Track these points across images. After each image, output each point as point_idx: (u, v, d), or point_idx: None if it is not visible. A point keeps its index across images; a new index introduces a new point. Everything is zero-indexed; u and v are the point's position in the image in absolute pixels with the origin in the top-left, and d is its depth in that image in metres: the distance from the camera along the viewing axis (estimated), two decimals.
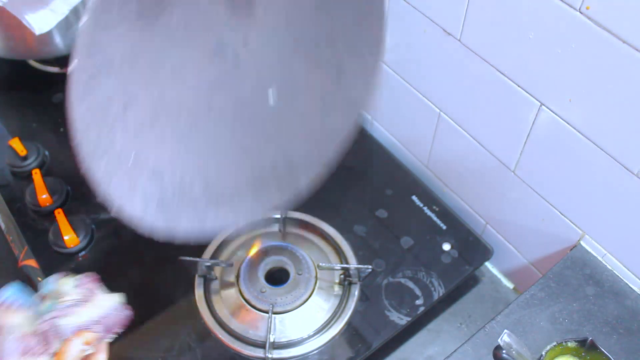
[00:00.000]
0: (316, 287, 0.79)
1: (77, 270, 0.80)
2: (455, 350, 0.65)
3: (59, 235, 0.82)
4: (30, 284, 0.80)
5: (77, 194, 0.88)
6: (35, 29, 0.85)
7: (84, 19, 0.54)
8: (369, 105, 0.66)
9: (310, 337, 0.75)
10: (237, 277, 0.80)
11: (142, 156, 0.61)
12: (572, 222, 0.71)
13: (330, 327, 0.76)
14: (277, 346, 0.75)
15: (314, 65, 0.66)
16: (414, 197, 0.87)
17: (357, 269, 0.77)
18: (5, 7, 0.83)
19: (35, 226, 0.85)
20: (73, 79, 0.55)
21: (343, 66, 0.66)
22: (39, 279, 0.79)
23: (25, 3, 0.84)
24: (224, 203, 0.64)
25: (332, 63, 0.66)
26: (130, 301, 0.59)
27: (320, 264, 0.79)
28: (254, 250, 0.83)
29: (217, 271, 0.81)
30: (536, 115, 0.67)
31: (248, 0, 0.64)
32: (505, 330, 0.60)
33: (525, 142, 0.71)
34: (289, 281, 0.79)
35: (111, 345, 0.64)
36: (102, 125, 0.59)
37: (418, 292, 0.78)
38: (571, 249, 0.72)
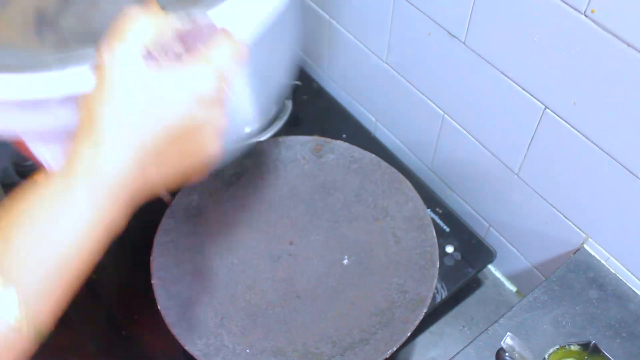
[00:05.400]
0: None
1: None
2: (457, 353, 0.65)
3: None
4: None
5: None
6: None
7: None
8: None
9: None
10: None
11: (257, 345, 0.71)
12: (576, 226, 0.71)
13: None
14: None
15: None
16: None
17: None
18: None
19: None
20: (162, 311, 0.69)
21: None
22: None
23: None
24: (354, 347, 0.71)
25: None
26: (130, 301, 0.59)
27: None
28: None
29: None
30: (540, 118, 0.67)
31: None
32: (508, 333, 0.60)
33: (529, 145, 0.71)
34: None
35: (109, 346, 0.64)
36: (206, 334, 0.70)
37: None
38: (574, 252, 0.72)
